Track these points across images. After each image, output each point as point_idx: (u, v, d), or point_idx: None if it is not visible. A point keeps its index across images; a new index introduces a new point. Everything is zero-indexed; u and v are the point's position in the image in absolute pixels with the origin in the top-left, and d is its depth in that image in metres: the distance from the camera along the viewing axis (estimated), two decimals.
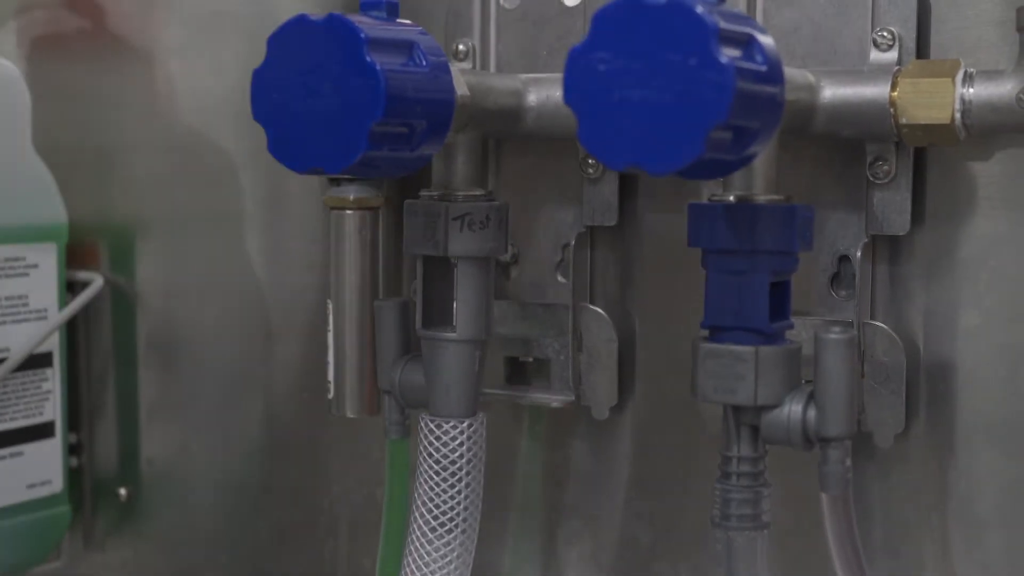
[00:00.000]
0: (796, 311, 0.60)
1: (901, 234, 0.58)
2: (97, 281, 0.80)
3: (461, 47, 0.67)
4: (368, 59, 0.51)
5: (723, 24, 0.46)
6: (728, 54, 0.45)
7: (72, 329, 0.81)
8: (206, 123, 0.79)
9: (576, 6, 0.64)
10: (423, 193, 0.61)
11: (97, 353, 0.82)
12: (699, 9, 0.46)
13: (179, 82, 0.79)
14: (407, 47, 0.53)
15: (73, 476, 0.81)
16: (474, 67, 0.67)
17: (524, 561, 0.70)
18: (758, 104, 0.47)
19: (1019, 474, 0.58)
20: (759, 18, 0.61)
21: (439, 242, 0.59)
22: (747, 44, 0.47)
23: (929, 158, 0.59)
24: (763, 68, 0.47)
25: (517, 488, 0.70)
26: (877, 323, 0.59)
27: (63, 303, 0.78)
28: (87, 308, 0.80)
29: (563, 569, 0.69)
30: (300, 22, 0.52)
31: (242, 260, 0.78)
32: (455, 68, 0.57)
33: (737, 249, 0.53)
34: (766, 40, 0.47)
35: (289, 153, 0.53)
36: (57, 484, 0.78)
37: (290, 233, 0.77)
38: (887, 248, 0.60)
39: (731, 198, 0.54)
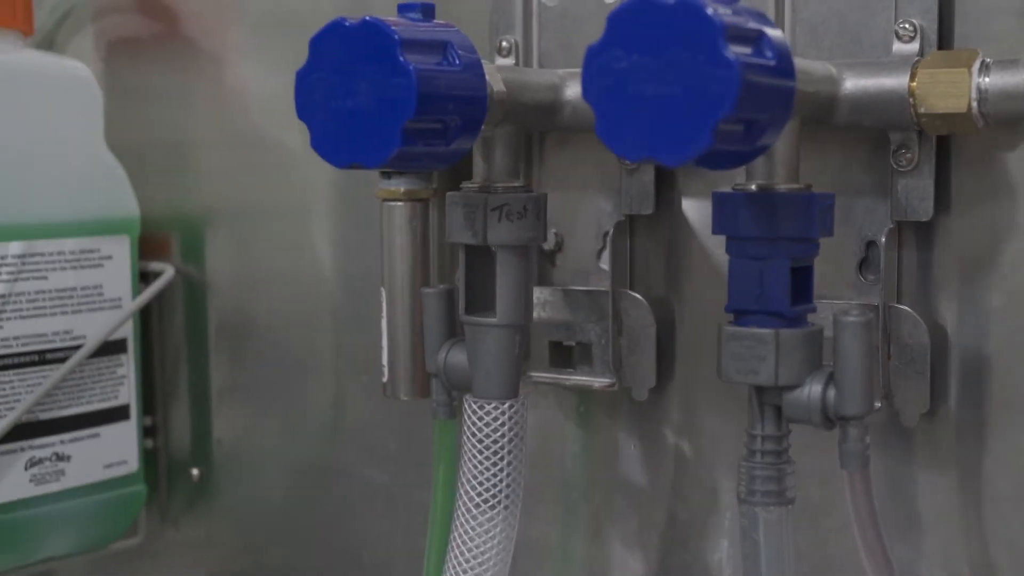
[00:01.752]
0: (826, 295, 0.62)
1: (925, 220, 0.60)
2: (168, 271, 0.84)
3: (504, 43, 0.69)
4: (401, 59, 0.54)
5: (730, 21, 0.48)
6: (735, 50, 0.48)
7: (146, 317, 0.85)
8: (271, 119, 0.82)
9: (613, 3, 0.67)
10: (464, 185, 0.64)
11: (170, 340, 0.86)
12: (707, 8, 0.48)
13: (246, 80, 0.83)
14: (441, 47, 0.56)
15: (148, 457, 0.85)
16: (517, 62, 0.69)
17: (571, 537, 0.73)
18: (767, 97, 0.49)
19: None
20: (787, 11, 0.63)
21: (478, 231, 0.62)
22: (756, 40, 0.49)
23: (954, 146, 0.60)
24: (772, 63, 0.49)
25: (564, 467, 0.72)
26: (902, 306, 0.60)
27: (136, 292, 0.82)
28: (160, 297, 0.84)
29: (607, 544, 0.71)
30: (338, 26, 0.55)
31: (307, 249, 0.81)
32: (491, 65, 0.60)
33: (758, 236, 0.55)
34: (776, 35, 0.50)
35: (330, 149, 0.56)
36: (132, 464, 0.82)
37: (352, 223, 0.80)
38: (913, 234, 0.61)
39: (753, 187, 0.57)
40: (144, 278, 0.83)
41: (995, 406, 0.60)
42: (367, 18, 0.55)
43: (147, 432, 0.85)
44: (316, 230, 0.81)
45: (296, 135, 0.81)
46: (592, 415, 0.71)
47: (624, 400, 0.69)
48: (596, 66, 0.50)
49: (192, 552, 0.87)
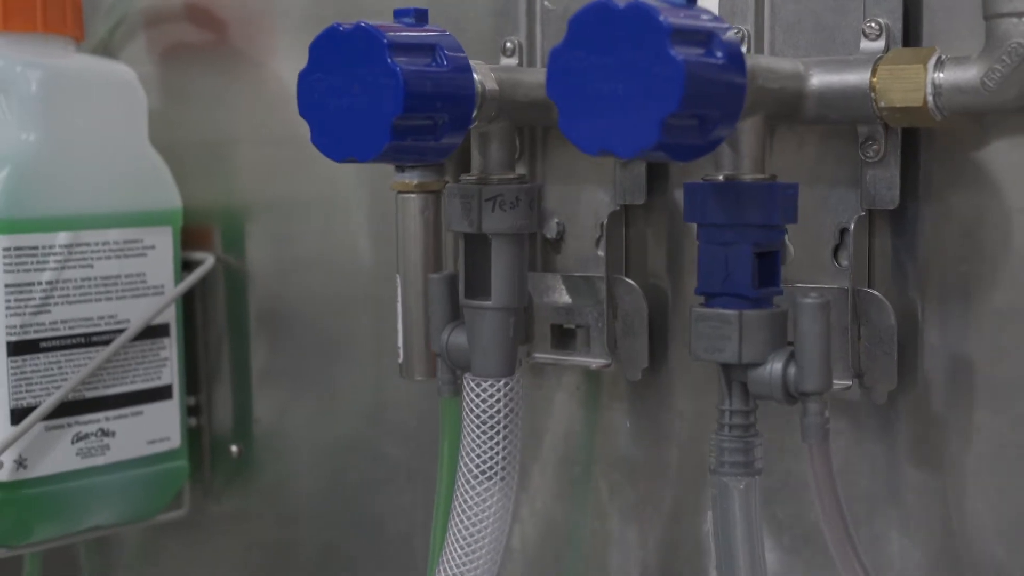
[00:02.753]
0: (803, 279, 0.66)
1: (892, 207, 0.63)
2: (209, 260, 0.89)
3: (508, 44, 0.74)
4: (390, 61, 0.59)
5: (680, 24, 0.52)
6: (683, 51, 0.52)
7: (190, 303, 0.91)
8: None
9: None
10: (463, 177, 0.68)
11: (213, 325, 0.92)
12: (655, 11, 0.52)
13: (283, 83, 0.88)
14: (430, 49, 0.61)
15: (192, 435, 0.91)
16: (521, 63, 0.74)
17: (573, 510, 0.77)
18: (716, 94, 0.53)
19: (1006, 430, 0.63)
20: (767, 12, 0.66)
21: (474, 220, 0.67)
22: (707, 40, 0.53)
23: (923, 138, 0.64)
24: (721, 61, 0.53)
25: (564, 444, 0.77)
26: (871, 290, 0.64)
27: (179, 280, 0.88)
28: (203, 285, 0.90)
29: (608, 518, 0.75)
30: (334, 31, 0.60)
31: (339, 239, 0.86)
32: (483, 66, 0.65)
33: (724, 223, 0.59)
34: (727, 36, 0.53)
35: (327, 144, 0.61)
36: (175, 441, 0.88)
37: (379, 214, 0.85)
38: (886, 221, 0.65)
39: (720, 177, 0.60)
40: (187, 267, 0.89)
41: (961, 384, 0.64)
42: (360, 23, 0.60)
43: (191, 411, 0.91)
44: (347, 221, 0.86)
45: None
46: (590, 394, 0.75)
47: (620, 380, 0.73)
48: (558, 66, 0.54)
49: (232, 524, 0.93)
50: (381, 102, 0.59)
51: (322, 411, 0.88)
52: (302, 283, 0.89)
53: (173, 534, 0.94)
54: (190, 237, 0.90)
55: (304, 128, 0.86)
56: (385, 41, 0.59)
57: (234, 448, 0.92)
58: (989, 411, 0.63)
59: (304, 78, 0.61)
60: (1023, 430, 0.62)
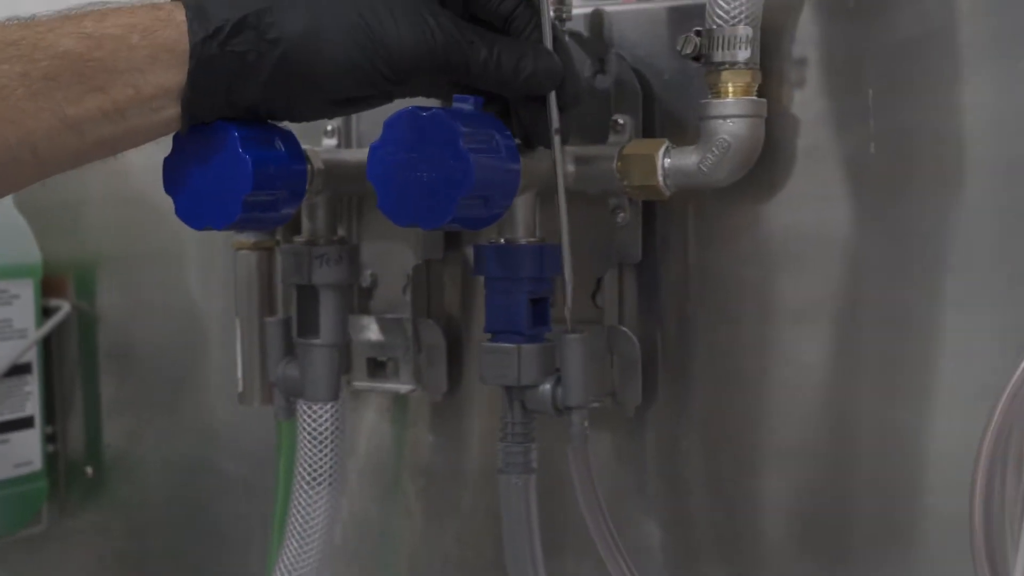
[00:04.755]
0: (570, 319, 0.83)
1: (636, 261, 0.81)
2: (65, 307, 1.03)
3: (329, 127, 0.89)
4: (240, 150, 0.73)
5: (467, 129, 0.69)
6: (472, 149, 0.68)
7: (48, 344, 1.04)
8: (150, 181, 1.01)
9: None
10: (295, 239, 0.84)
11: (67, 363, 1.06)
12: (452, 117, 0.69)
13: (130, 154, 1.02)
14: (272, 140, 0.76)
15: (50, 459, 1.04)
16: (339, 144, 0.89)
17: (388, 513, 0.93)
18: (496, 179, 0.70)
19: (720, 438, 0.81)
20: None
21: (304, 274, 0.82)
22: (489, 140, 0.70)
23: (659, 207, 0.81)
24: (502, 154, 0.70)
25: (380, 456, 0.92)
26: (621, 327, 0.81)
27: (39, 324, 1.01)
28: (59, 327, 1.04)
29: (414, 516, 0.91)
30: (198, 127, 0.74)
31: (180, 287, 1.01)
32: (313, 149, 0.80)
33: (503, 276, 0.76)
34: (502, 137, 0.70)
35: (190, 217, 0.75)
36: (36, 464, 1.01)
37: (214, 267, 0.99)
38: (632, 272, 0.82)
39: (502, 240, 0.77)
40: (46, 312, 1.02)
41: (692, 399, 0.81)
42: (219, 122, 0.73)
43: (49, 438, 1.04)
44: (186, 272, 1.01)
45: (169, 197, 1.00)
46: (400, 414, 0.91)
47: (424, 401, 0.90)
48: (376, 158, 0.71)
49: (87, 537, 1.06)
50: (232, 183, 0.73)
51: (167, 435, 1.02)
52: (147, 325, 1.03)
53: (32, 547, 1.07)
54: (47, 286, 1.03)
55: (148, 190, 1.01)
56: (236, 135, 0.73)
57: (88, 469, 1.05)
58: (709, 419, 0.81)
59: (168, 162, 0.76)
60: (730, 435, 0.80)
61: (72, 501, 1.06)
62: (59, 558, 1.07)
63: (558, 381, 0.76)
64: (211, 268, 1.00)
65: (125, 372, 1.04)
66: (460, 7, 0.72)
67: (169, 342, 1.02)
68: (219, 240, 0.98)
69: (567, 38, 0.79)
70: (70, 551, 1.07)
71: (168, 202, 0.98)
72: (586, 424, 0.76)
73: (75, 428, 1.06)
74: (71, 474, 1.06)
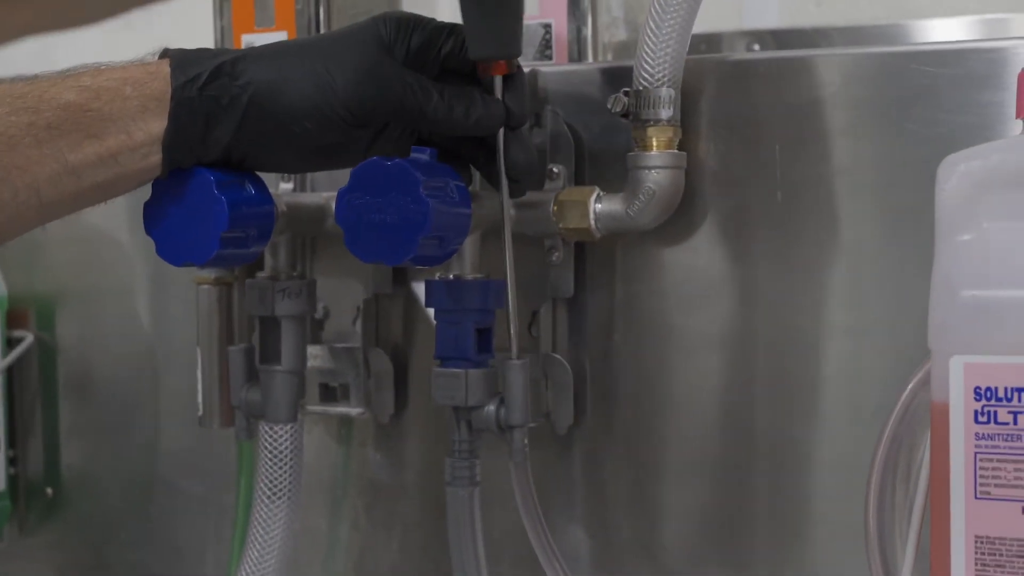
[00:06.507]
0: (508, 347, 0.92)
1: (568, 296, 0.90)
2: (28, 338, 1.10)
3: None
4: (215, 191, 0.81)
5: (426, 177, 0.78)
6: (429, 194, 0.77)
7: (10, 373, 1.10)
8: (108, 221, 1.08)
9: None
10: (258, 274, 0.92)
11: (28, 390, 1.12)
12: (412, 167, 0.78)
13: None
14: (243, 183, 0.83)
15: (12, 480, 1.10)
16: (295, 188, 0.97)
17: (336, 525, 1.01)
18: (451, 222, 0.79)
19: (636, 456, 0.90)
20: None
21: (267, 306, 0.90)
22: (444, 187, 0.79)
23: (588, 247, 0.90)
24: (456, 200, 0.79)
25: (331, 474, 1.00)
26: (555, 355, 0.90)
27: (4, 354, 1.07)
28: (22, 357, 1.10)
29: (363, 530, 1.00)
30: (176, 172, 0.82)
31: (136, 320, 1.08)
32: (276, 193, 0.88)
33: (452, 308, 0.85)
34: (456, 184, 0.80)
35: (169, 254, 0.83)
36: (0, 485, 1.07)
37: (169, 299, 1.07)
38: (564, 305, 0.92)
39: (451, 276, 0.86)
40: (9, 343, 1.09)
41: (617, 419, 0.91)
42: (196, 167, 0.81)
43: (11, 461, 1.10)
44: (142, 305, 1.08)
45: (126, 233, 1.08)
46: (350, 434, 1.00)
47: (372, 423, 0.98)
48: (344, 202, 0.79)
49: (46, 554, 1.13)
50: (211, 221, 0.81)
51: (125, 457, 1.09)
52: (105, 354, 1.10)
53: None
54: (11, 318, 1.10)
55: (107, 225, 1.08)
56: (211, 177, 0.81)
57: (48, 490, 1.11)
58: (631, 437, 0.90)
59: (148, 206, 0.83)
60: (649, 451, 0.89)
61: (32, 520, 1.13)
62: (20, 574, 1.14)
63: (501, 402, 0.85)
64: (165, 302, 1.07)
65: (84, 399, 1.10)
66: (436, 68, 0.81)
67: (126, 370, 1.09)
68: (171, 275, 1.05)
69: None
70: (30, 567, 1.13)
71: (125, 239, 1.07)
72: (526, 442, 0.85)
73: (35, 451, 1.12)
74: (31, 495, 1.12)
